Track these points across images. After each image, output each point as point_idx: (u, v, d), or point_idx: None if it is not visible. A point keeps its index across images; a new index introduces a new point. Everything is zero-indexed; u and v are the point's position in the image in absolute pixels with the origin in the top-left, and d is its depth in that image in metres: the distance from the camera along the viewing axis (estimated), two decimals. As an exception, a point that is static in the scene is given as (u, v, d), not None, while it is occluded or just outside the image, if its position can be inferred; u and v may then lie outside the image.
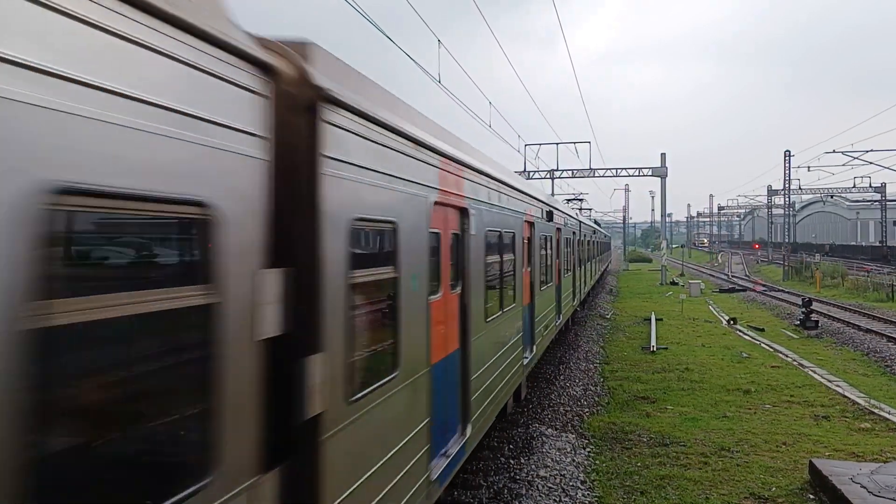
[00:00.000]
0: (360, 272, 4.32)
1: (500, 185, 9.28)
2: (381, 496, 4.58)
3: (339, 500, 3.89)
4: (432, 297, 5.99)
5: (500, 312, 9.34)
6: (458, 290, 7.21)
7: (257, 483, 3.14)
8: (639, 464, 10.53)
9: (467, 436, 7.21)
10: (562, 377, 16.55)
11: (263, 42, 3.37)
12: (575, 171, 51.60)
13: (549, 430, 12.23)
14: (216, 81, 2.87)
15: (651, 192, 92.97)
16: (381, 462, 4.62)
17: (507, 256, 10.01)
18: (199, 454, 2.79)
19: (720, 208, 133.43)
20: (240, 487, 2.99)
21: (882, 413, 13.38)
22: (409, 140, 5.21)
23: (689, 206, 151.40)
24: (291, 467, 3.47)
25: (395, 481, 4.86)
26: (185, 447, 2.89)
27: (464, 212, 7.25)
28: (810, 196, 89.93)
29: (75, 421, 2.31)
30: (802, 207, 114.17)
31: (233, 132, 2.98)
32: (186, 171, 2.66)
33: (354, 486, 4.14)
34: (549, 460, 10.56)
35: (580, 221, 24.77)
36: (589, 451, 11.21)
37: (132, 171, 2.34)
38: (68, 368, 2.29)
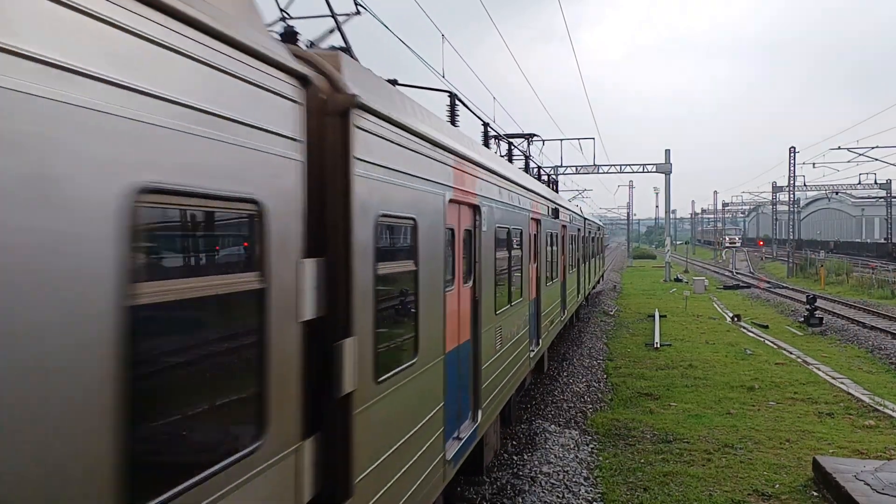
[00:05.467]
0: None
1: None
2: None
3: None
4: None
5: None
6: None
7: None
8: (642, 460, 10.52)
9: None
10: (565, 373, 16.53)
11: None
12: (579, 167, 51.46)
13: (553, 426, 12.21)
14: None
15: (655, 188, 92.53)
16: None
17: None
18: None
19: (724, 205, 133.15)
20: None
21: (886, 410, 13.35)
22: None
23: (693, 202, 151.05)
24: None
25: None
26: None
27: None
28: (815, 193, 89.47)
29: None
30: (807, 204, 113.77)
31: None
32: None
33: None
34: (553, 456, 10.55)
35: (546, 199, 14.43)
36: (592, 448, 11.20)
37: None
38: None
